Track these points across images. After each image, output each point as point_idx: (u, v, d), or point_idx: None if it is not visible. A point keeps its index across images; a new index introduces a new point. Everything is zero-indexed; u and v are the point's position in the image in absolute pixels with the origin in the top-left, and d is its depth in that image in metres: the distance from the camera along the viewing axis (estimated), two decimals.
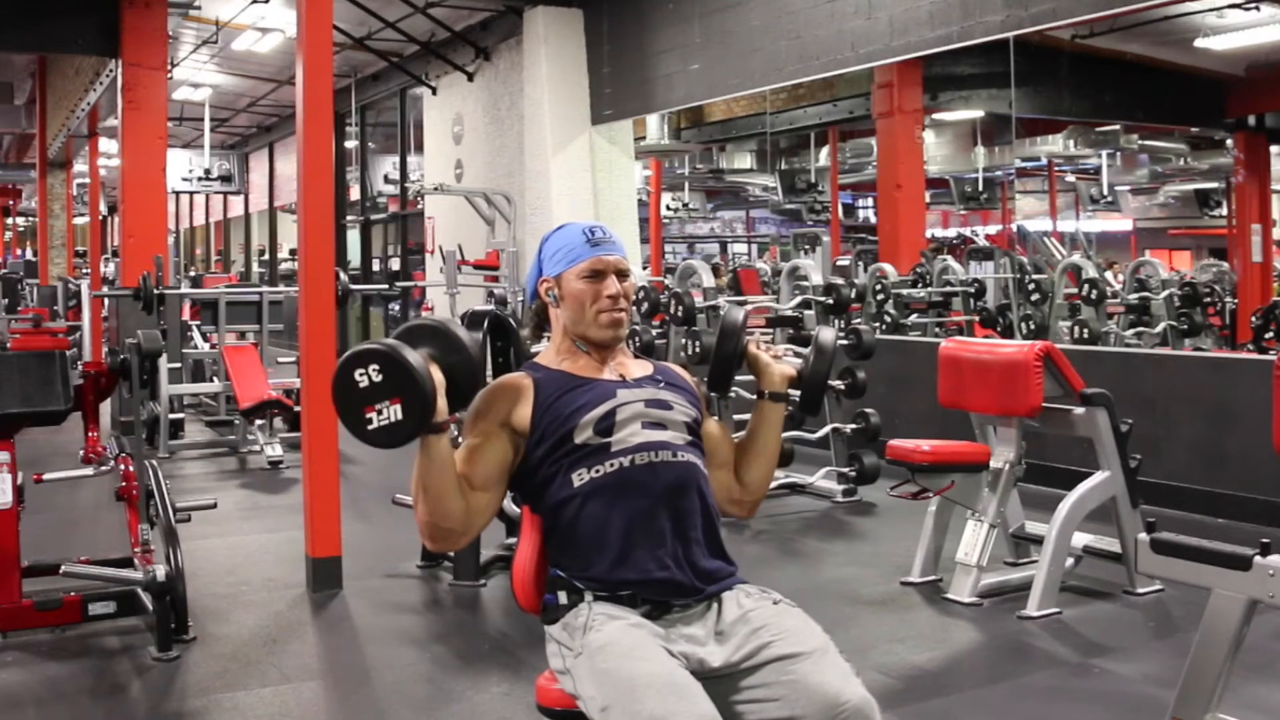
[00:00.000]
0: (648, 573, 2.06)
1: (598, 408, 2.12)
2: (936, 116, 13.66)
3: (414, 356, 1.92)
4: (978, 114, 13.26)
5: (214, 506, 4.66)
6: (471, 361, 2.02)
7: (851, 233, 20.98)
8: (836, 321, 6.71)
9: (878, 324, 9.74)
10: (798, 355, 2.39)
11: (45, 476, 4.48)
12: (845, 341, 6.26)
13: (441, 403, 1.95)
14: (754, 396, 2.33)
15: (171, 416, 7.89)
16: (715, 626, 2.07)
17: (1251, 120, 13.70)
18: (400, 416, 1.90)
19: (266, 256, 21.56)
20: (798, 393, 2.39)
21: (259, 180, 21.06)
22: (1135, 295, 9.80)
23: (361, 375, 1.91)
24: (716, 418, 2.35)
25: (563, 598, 2.08)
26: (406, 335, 2.02)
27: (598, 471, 2.09)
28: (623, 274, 2.22)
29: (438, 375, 1.97)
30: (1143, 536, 2.47)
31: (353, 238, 17.46)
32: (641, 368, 2.27)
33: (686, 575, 2.08)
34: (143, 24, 9.10)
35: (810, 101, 12.39)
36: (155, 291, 8.08)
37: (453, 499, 2.02)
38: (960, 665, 3.87)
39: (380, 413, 1.91)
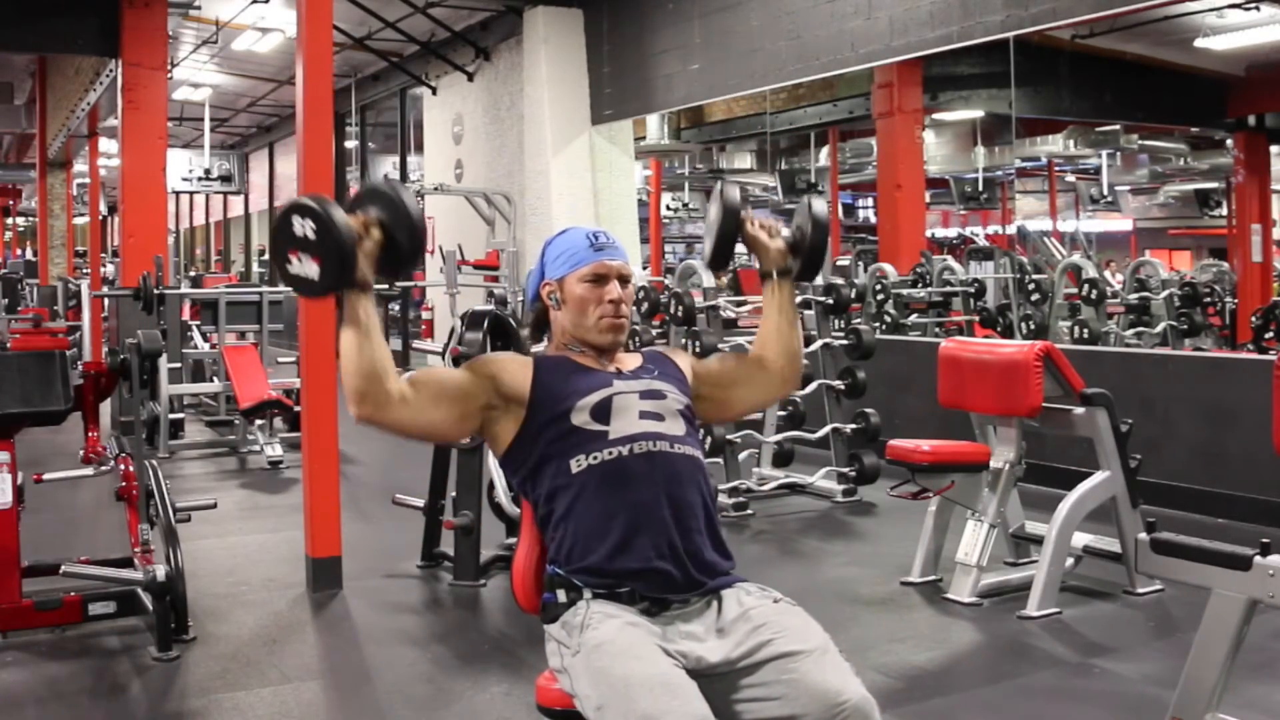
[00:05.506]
0: (648, 560, 2.07)
1: (594, 393, 2.16)
2: (936, 116, 13.65)
3: (348, 234, 1.97)
4: (978, 114, 13.24)
5: (214, 506, 4.66)
6: (416, 245, 2.06)
7: (851, 233, 20.97)
8: (836, 321, 6.70)
9: (878, 324, 9.73)
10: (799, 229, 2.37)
11: (45, 476, 4.48)
12: (845, 341, 6.26)
13: (364, 264, 2.00)
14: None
15: (171, 416, 7.88)
16: (715, 623, 2.07)
17: (1251, 120, 13.68)
18: (314, 276, 2.00)
19: (266, 256, 21.57)
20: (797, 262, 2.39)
21: (259, 180, 21.06)
22: (1135, 295, 9.80)
23: (300, 225, 1.98)
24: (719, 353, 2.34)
25: (561, 596, 2.09)
26: (367, 196, 2.08)
27: (595, 459, 2.11)
28: (625, 279, 2.25)
29: (370, 245, 2.01)
30: (1143, 536, 2.48)
31: None
32: (634, 360, 2.31)
33: (686, 567, 2.09)
34: (143, 24, 9.09)
35: (810, 101, 12.39)
36: (155, 291, 8.06)
37: (364, 358, 2.01)
38: (960, 665, 3.87)
39: (301, 262, 2.00)
